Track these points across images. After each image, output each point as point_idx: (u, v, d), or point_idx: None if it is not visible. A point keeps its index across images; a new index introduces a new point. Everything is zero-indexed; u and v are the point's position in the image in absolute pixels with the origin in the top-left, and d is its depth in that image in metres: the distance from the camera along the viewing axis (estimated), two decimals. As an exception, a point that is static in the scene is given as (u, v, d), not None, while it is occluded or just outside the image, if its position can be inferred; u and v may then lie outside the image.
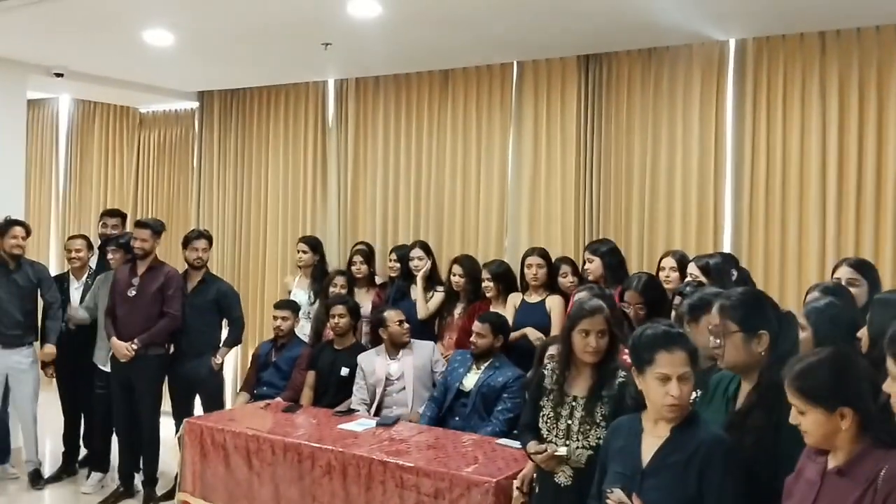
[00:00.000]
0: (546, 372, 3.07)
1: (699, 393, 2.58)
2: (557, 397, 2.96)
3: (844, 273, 3.50)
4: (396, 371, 4.94)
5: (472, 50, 5.55)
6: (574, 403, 2.93)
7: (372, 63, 6.06)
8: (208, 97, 7.38)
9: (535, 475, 3.16)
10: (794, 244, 4.85)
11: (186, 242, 5.54)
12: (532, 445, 2.97)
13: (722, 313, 2.44)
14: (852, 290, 3.41)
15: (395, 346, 4.98)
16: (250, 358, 5.85)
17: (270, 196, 7.01)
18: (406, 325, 5.03)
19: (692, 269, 4.15)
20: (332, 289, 5.67)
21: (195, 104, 7.50)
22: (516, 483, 3.32)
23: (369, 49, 5.52)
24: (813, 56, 4.85)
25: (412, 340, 5.05)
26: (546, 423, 2.97)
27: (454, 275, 5.37)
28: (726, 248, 4.96)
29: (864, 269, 3.53)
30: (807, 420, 1.96)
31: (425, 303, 5.52)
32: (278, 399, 5.13)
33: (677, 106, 5.27)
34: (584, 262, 4.91)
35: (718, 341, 2.43)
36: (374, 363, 4.98)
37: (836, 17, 4.62)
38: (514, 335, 4.79)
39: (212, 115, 7.36)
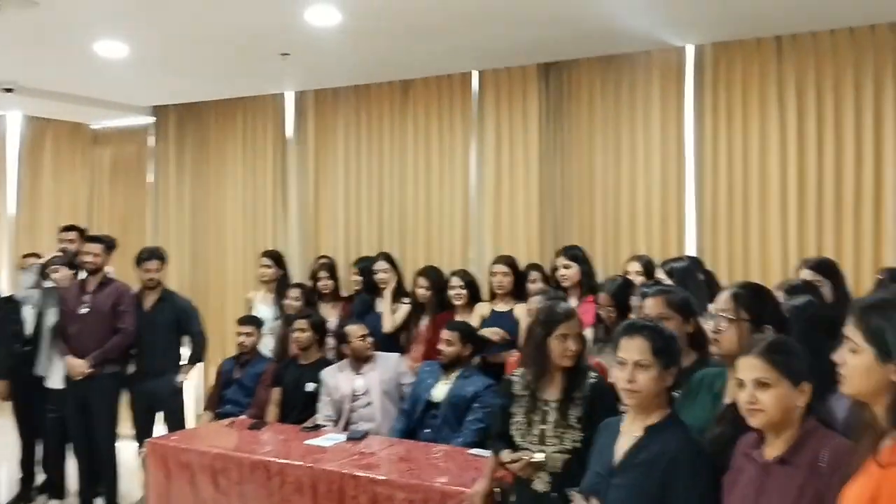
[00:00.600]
0: (514, 378, 3.02)
1: (678, 393, 2.55)
2: (530, 403, 2.92)
3: (804, 276, 3.52)
4: (362, 386, 4.84)
5: (432, 59, 5.53)
6: (546, 408, 2.89)
7: (331, 74, 6.01)
8: (163, 112, 7.24)
9: (496, 489, 3.13)
10: (757, 246, 4.91)
11: (139, 262, 5.40)
12: (506, 454, 2.91)
13: (735, 300, 2.41)
14: None
15: (359, 361, 4.89)
16: (213, 376, 5.70)
17: (230, 212, 6.89)
18: (369, 340, 4.94)
19: (659, 273, 4.16)
20: (286, 302, 5.56)
21: (150, 119, 7.34)
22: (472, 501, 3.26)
23: (328, 59, 5.47)
24: (770, 60, 4.93)
25: (377, 354, 4.97)
26: (519, 430, 2.92)
27: (419, 287, 5.31)
28: (690, 252, 4.99)
29: (824, 269, 3.55)
30: (769, 395, 1.95)
31: (391, 315, 5.45)
32: (243, 417, 5.00)
33: (638, 112, 5.31)
34: (554, 269, 4.90)
35: (722, 326, 2.39)
36: (337, 379, 4.88)
37: (791, 22, 4.70)
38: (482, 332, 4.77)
39: (167, 130, 7.21)
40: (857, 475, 1.67)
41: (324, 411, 4.84)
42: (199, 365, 5.95)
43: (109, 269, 5.35)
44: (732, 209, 5.02)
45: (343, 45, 5.09)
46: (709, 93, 5.11)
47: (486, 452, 3.65)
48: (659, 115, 5.25)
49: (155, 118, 7.29)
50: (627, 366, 2.27)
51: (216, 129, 6.99)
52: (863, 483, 1.65)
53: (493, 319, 4.93)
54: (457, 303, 5.13)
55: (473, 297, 5.17)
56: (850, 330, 1.69)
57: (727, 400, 2.37)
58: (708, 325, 2.49)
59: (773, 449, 2.00)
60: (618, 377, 2.30)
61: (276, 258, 6.00)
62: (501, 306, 4.99)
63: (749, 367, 2.02)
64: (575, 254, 4.79)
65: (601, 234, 5.39)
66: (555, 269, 4.90)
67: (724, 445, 2.20)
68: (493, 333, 4.65)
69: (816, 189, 4.81)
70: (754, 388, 1.99)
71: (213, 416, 5.23)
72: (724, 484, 2.09)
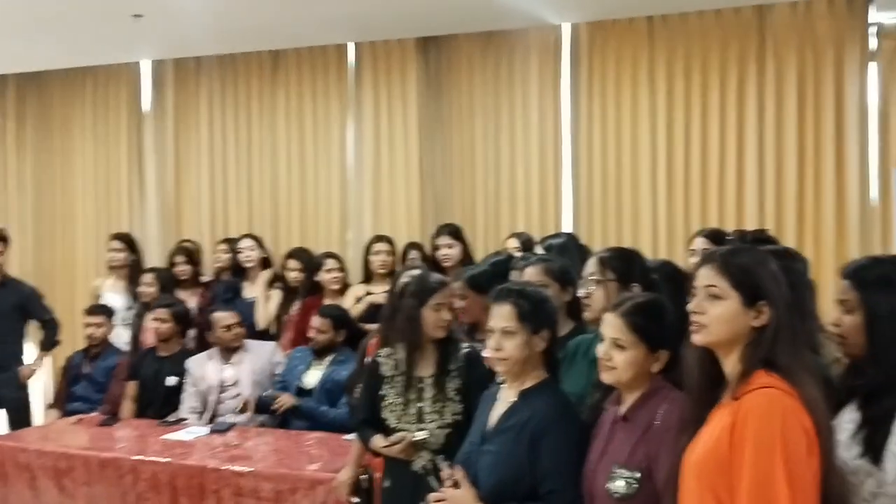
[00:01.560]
0: (380, 360, 2.85)
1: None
2: (404, 382, 2.76)
3: (699, 244, 3.55)
4: (231, 377, 4.51)
5: (305, 29, 5.25)
6: (421, 385, 2.75)
7: (192, 41, 5.57)
8: (1, 82, 6.55)
9: (363, 476, 3.04)
10: (630, 221, 5.01)
11: None
12: (379, 439, 2.75)
13: (600, 263, 2.43)
14: None
15: (229, 350, 4.56)
16: (62, 371, 5.19)
17: (80, 192, 6.31)
18: (237, 330, 4.59)
19: (538, 250, 4.10)
20: (140, 288, 5.13)
21: (-15, 89, 6.63)
22: (341, 493, 3.09)
23: (188, 25, 5.06)
24: (642, 40, 5.00)
25: (249, 342, 4.65)
26: (394, 411, 2.76)
27: (290, 270, 5.03)
28: (567, 228, 5.02)
29: (719, 239, 3.59)
30: (622, 357, 1.96)
31: (265, 306, 5.10)
32: (94, 414, 4.55)
33: (516, 90, 5.26)
34: (435, 248, 4.75)
35: (591, 289, 2.39)
36: (205, 368, 4.52)
37: (662, 3, 4.79)
38: (357, 308, 4.55)
39: (5, 102, 6.54)
40: (699, 430, 1.67)
41: (188, 403, 4.48)
42: (53, 354, 5.43)
43: None
44: (606, 186, 5.06)
45: (205, 9, 4.72)
46: (584, 71, 5.12)
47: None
48: (537, 93, 5.21)
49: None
50: (495, 333, 2.21)
51: (62, 101, 6.37)
52: (713, 426, 1.64)
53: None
54: (333, 287, 4.89)
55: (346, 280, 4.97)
56: (712, 278, 1.69)
57: None
58: (580, 292, 2.50)
59: (624, 406, 2.01)
60: (487, 345, 2.26)
61: (128, 241, 5.52)
62: (377, 287, 4.79)
63: (609, 325, 2.01)
64: (457, 231, 4.69)
65: (482, 213, 5.31)
66: (436, 248, 4.77)
67: (603, 411, 2.17)
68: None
69: (684, 166, 4.91)
70: (610, 346, 1.99)
71: (61, 414, 4.77)
72: (593, 437, 2.08)
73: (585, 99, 5.12)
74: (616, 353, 1.97)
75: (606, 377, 2.00)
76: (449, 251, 4.66)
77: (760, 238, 3.27)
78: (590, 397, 2.28)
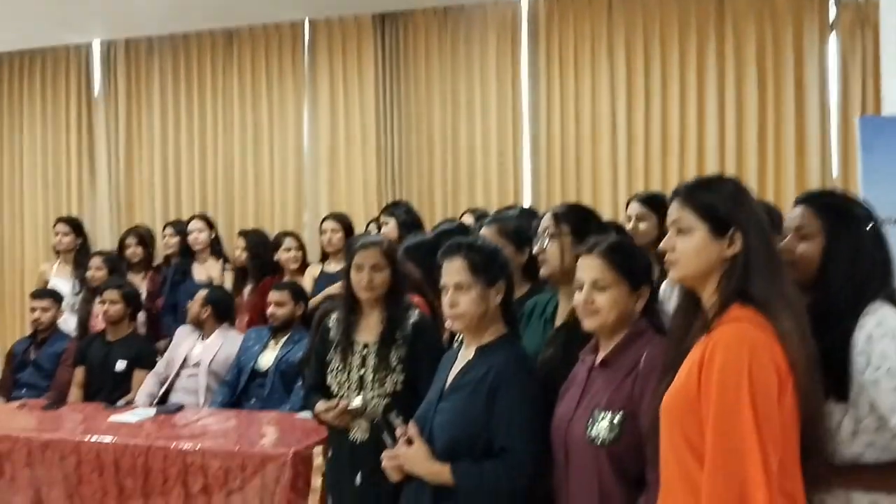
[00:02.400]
0: (330, 325, 2.76)
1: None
2: (344, 345, 2.67)
3: (634, 209, 3.47)
4: (196, 356, 4.39)
5: (258, 5, 5.16)
6: (365, 352, 2.66)
7: (143, 21, 5.44)
8: (-55, 65, 6.35)
9: (315, 448, 2.97)
10: (590, 197, 4.99)
11: None
12: (321, 404, 2.66)
13: (554, 218, 2.35)
14: (641, 224, 3.39)
15: (207, 329, 4.42)
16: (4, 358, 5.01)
17: (27, 176, 6.14)
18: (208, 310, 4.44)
19: None
20: (88, 273, 4.96)
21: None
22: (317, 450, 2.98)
23: (138, 3, 4.92)
24: (600, 14, 4.98)
25: (230, 330, 4.52)
26: (336, 377, 2.67)
27: (236, 248, 4.90)
28: (527, 204, 4.95)
29: (654, 203, 3.51)
30: (605, 297, 1.90)
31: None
32: (39, 400, 4.38)
33: (475, 66, 5.21)
34: (380, 227, 4.66)
35: (546, 244, 2.32)
36: (185, 338, 4.42)
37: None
38: (314, 300, 4.41)
39: (-51, 86, 6.34)
40: (678, 369, 1.60)
41: (157, 367, 4.38)
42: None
43: None
44: (566, 161, 5.02)
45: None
46: (543, 46, 5.08)
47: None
48: (495, 69, 5.16)
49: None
50: (449, 289, 2.14)
51: (9, 83, 6.18)
52: (685, 363, 1.57)
53: (324, 280, 4.62)
54: (292, 266, 4.77)
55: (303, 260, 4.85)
56: (677, 212, 1.64)
57: (558, 323, 2.31)
58: (535, 249, 2.43)
59: (603, 352, 1.94)
60: (443, 303, 2.18)
61: (75, 225, 5.34)
62: (333, 266, 4.68)
63: (587, 267, 1.93)
64: (392, 210, 4.53)
65: (440, 189, 5.24)
66: (380, 227, 4.67)
67: (554, 368, 2.13)
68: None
69: (644, 141, 4.89)
70: (591, 289, 1.91)
71: (5, 402, 4.57)
72: (560, 393, 2.00)
73: (544, 73, 5.07)
74: (598, 294, 1.90)
75: (590, 323, 1.92)
76: (385, 228, 4.57)
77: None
78: (541, 354, 2.22)
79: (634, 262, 1.95)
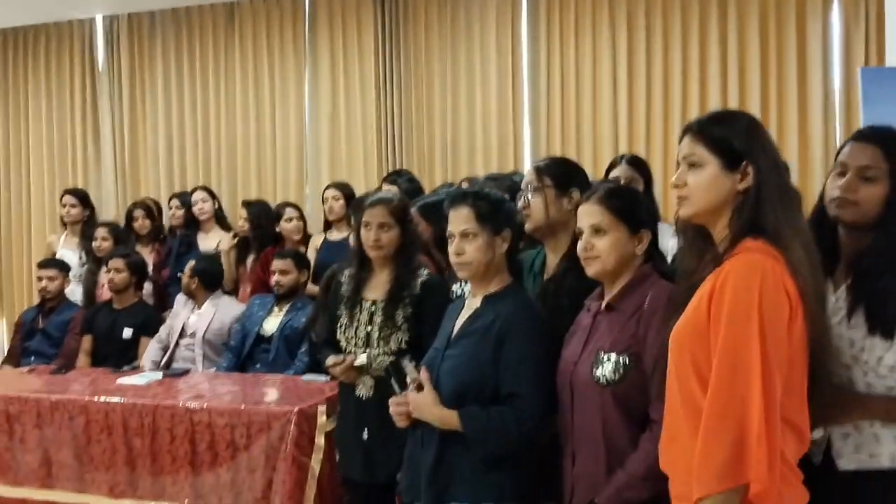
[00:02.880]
0: (342, 280, 2.80)
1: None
2: (352, 301, 2.71)
3: (623, 171, 3.48)
4: (192, 325, 4.47)
5: (259, -22, 5.15)
6: (373, 308, 2.70)
7: (146, -7, 5.47)
8: (-50, 41, 6.39)
9: (320, 406, 3.01)
10: (590, 166, 4.89)
11: None
12: (330, 358, 2.71)
13: (537, 171, 2.35)
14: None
15: (200, 299, 4.50)
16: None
17: (33, 150, 6.19)
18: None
19: None
20: (94, 243, 5.04)
21: (-67, 49, 6.45)
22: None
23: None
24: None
25: (223, 297, 4.59)
26: (344, 332, 2.72)
27: (239, 219, 4.97)
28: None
29: (640, 166, 3.54)
30: (605, 241, 1.91)
31: (231, 267, 5.00)
32: (48, 365, 4.47)
33: (474, 35, 5.22)
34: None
35: (528, 198, 2.32)
36: (183, 306, 4.52)
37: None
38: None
39: (-45, 62, 6.39)
40: (686, 306, 1.60)
41: (160, 333, 4.47)
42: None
43: None
44: (566, 132, 5.03)
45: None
46: (543, 12, 5.06)
47: (322, 377, 3.42)
48: (495, 40, 5.17)
49: (-60, 48, 6.41)
50: (455, 237, 2.15)
51: (14, 59, 6.22)
52: (695, 296, 1.58)
53: (326, 249, 4.69)
54: (295, 237, 4.83)
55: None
56: (689, 147, 1.62)
57: (546, 277, 2.32)
58: (519, 204, 2.40)
59: (608, 296, 1.96)
60: (449, 252, 2.20)
61: (82, 196, 5.42)
62: (335, 234, 4.74)
63: (586, 214, 1.96)
64: (394, 178, 4.50)
65: (440, 161, 5.27)
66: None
67: (546, 320, 2.14)
68: None
69: (645, 111, 4.90)
70: (591, 235, 1.93)
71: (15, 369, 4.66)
72: (565, 338, 2.02)
73: (545, 40, 5.08)
74: (597, 239, 1.91)
75: (592, 268, 1.94)
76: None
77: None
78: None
79: (633, 206, 1.95)
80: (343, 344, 2.72)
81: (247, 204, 5.04)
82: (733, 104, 4.74)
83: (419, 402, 2.10)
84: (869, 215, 1.74)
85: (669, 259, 2.26)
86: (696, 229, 1.65)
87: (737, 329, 1.46)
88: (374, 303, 2.70)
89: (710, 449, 1.46)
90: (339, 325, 2.74)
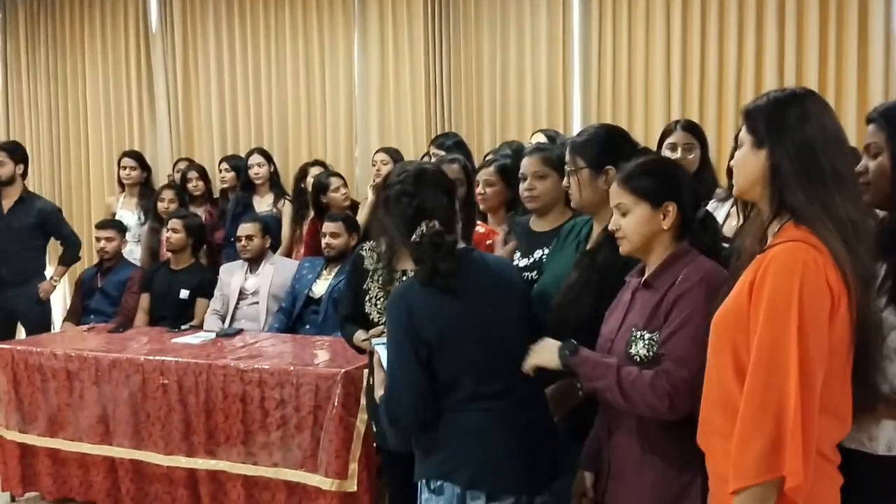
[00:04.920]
0: (364, 254, 2.74)
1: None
2: (387, 275, 2.66)
3: (678, 137, 3.41)
4: (252, 286, 4.56)
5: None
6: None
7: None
8: (11, 6, 6.54)
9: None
10: (641, 128, 4.85)
11: None
12: (360, 334, 2.66)
13: (572, 151, 2.33)
14: (689, 155, 3.36)
15: (254, 261, 4.59)
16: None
17: (91, 112, 6.33)
18: (257, 241, 4.57)
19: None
20: (160, 204, 5.15)
21: (-4, 14, 6.62)
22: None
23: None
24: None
25: (276, 257, 4.67)
26: (376, 304, 2.66)
27: (304, 177, 5.00)
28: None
29: (696, 131, 3.47)
30: (630, 220, 1.92)
31: (291, 234, 5.06)
32: (106, 324, 4.62)
33: (525, 3, 5.11)
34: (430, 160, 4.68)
35: (567, 178, 2.34)
36: (232, 275, 4.61)
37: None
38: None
39: (17, 26, 6.53)
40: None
41: (213, 305, 4.59)
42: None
43: None
44: (617, 100, 4.92)
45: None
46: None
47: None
48: (546, 2, 5.06)
49: (1, 13, 6.56)
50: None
51: (71, 24, 6.34)
52: (738, 282, 1.57)
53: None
54: (344, 205, 4.84)
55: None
56: (741, 133, 1.67)
57: (590, 246, 2.31)
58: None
59: (647, 274, 1.95)
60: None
61: (139, 159, 5.56)
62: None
63: (612, 195, 1.98)
64: (442, 142, 4.47)
65: (489, 129, 5.22)
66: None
67: (578, 292, 2.16)
68: None
69: (699, 71, 4.75)
70: (618, 216, 1.95)
71: (76, 326, 4.83)
72: (605, 315, 2.02)
73: (597, 5, 4.95)
74: (622, 220, 1.93)
75: (623, 248, 1.95)
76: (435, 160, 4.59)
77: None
78: (567, 278, 2.25)
79: (654, 181, 1.92)
80: (374, 317, 2.66)
81: (313, 163, 5.10)
82: (790, 70, 4.57)
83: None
84: (885, 190, 1.73)
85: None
86: (754, 206, 1.66)
87: (776, 321, 1.46)
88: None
89: (748, 441, 1.47)
90: (367, 297, 2.68)
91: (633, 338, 1.86)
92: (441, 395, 2.05)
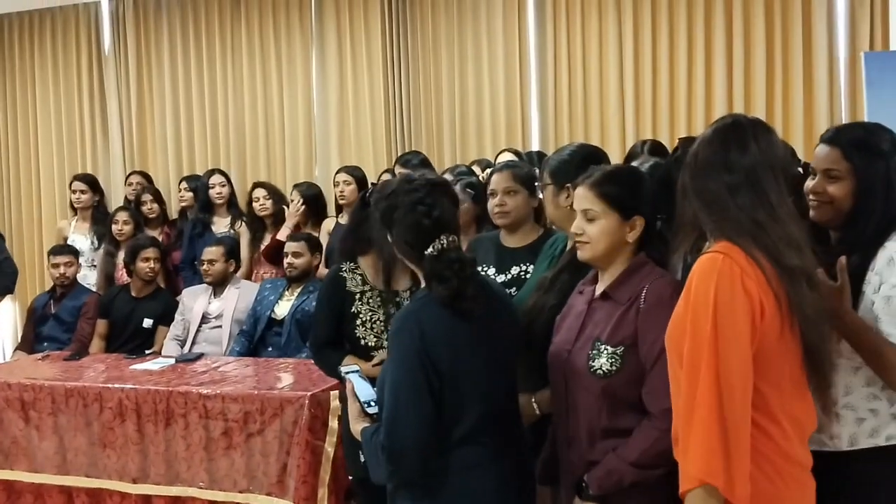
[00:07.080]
0: (345, 275, 2.69)
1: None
2: (385, 296, 2.64)
3: (646, 161, 3.46)
4: (216, 309, 4.48)
5: (264, -40, 5.11)
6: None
7: (151, -23, 5.43)
8: (-43, 26, 6.38)
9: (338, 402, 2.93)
10: (598, 143, 4.91)
11: None
12: (350, 359, 2.59)
13: (541, 168, 2.39)
14: None
15: (219, 285, 4.50)
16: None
17: (41, 135, 6.21)
18: (219, 265, 4.49)
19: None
20: (114, 227, 5.03)
21: (-60, 34, 6.44)
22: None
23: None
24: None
25: (241, 280, 4.59)
26: (372, 328, 2.64)
27: (256, 200, 4.94)
28: (536, 155, 4.96)
29: (663, 154, 3.53)
30: (595, 227, 1.88)
31: (250, 256, 4.99)
32: (61, 351, 4.49)
33: (481, 16, 5.18)
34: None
35: (539, 194, 2.39)
36: (195, 299, 4.51)
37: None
38: None
39: (-37, 48, 6.38)
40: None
41: (174, 331, 4.49)
42: (9, 299, 5.34)
43: None
44: (573, 112, 5.02)
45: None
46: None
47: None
48: (502, 20, 5.13)
49: (-53, 34, 6.40)
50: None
51: (21, 43, 6.22)
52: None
53: (337, 233, 4.66)
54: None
55: (318, 213, 4.88)
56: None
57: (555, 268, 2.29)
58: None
59: (602, 284, 1.93)
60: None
61: (91, 182, 5.43)
62: (346, 218, 4.71)
63: (578, 198, 1.93)
64: (408, 160, 4.49)
65: (449, 142, 5.26)
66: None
67: (538, 314, 2.13)
68: None
69: (651, 84, 4.87)
70: (583, 220, 1.91)
71: (29, 356, 4.68)
72: (556, 323, 2.01)
73: (551, 24, 5.04)
74: (587, 225, 1.88)
75: (582, 254, 1.91)
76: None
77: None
78: (530, 296, 2.24)
79: (626, 192, 1.89)
80: (371, 340, 2.62)
81: (262, 184, 5.03)
82: (738, 88, 4.75)
83: None
84: (842, 212, 1.81)
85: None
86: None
87: (697, 329, 1.53)
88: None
89: (684, 446, 1.55)
90: (358, 321, 2.63)
91: (594, 352, 1.83)
92: (442, 430, 1.83)
